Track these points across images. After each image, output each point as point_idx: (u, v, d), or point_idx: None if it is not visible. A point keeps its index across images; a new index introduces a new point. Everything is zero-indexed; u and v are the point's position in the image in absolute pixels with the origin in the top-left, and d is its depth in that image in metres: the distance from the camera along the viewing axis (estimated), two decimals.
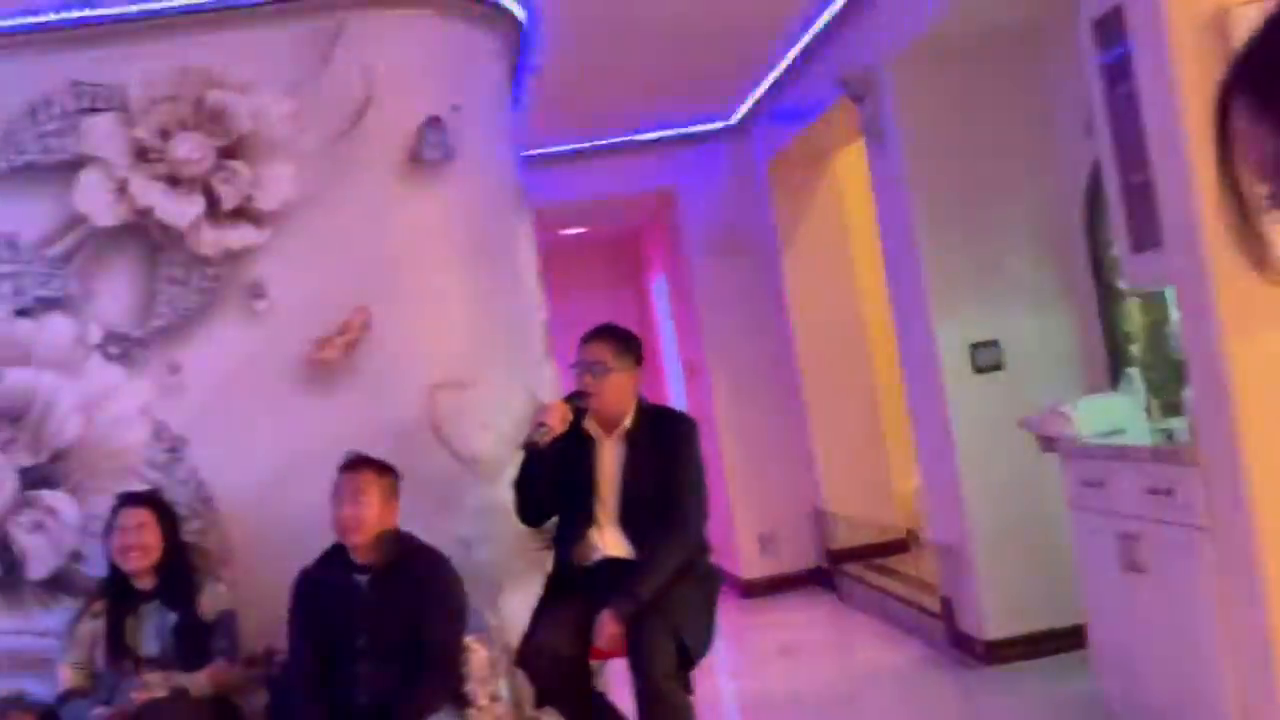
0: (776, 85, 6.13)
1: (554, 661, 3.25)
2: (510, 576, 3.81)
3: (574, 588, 3.40)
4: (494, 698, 3.29)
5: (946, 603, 5.07)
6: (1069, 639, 4.33)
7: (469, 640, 3.28)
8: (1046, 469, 4.10)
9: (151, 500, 3.53)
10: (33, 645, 3.64)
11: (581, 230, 8.48)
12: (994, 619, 4.71)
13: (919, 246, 4.77)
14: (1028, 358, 4.73)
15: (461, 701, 3.25)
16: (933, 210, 4.75)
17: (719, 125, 6.93)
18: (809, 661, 5.67)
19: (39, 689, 3.57)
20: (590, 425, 3.52)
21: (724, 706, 5.08)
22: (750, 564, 7.04)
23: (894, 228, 5.02)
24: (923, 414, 5.09)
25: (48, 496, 3.72)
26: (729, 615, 3.49)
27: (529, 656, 3.27)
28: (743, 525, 6.99)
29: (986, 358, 4.74)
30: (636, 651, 3.21)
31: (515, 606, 3.68)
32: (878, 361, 6.68)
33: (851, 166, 6.58)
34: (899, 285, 5.13)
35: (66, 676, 3.44)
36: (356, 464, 3.37)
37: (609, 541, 3.43)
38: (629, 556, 3.40)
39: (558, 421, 3.40)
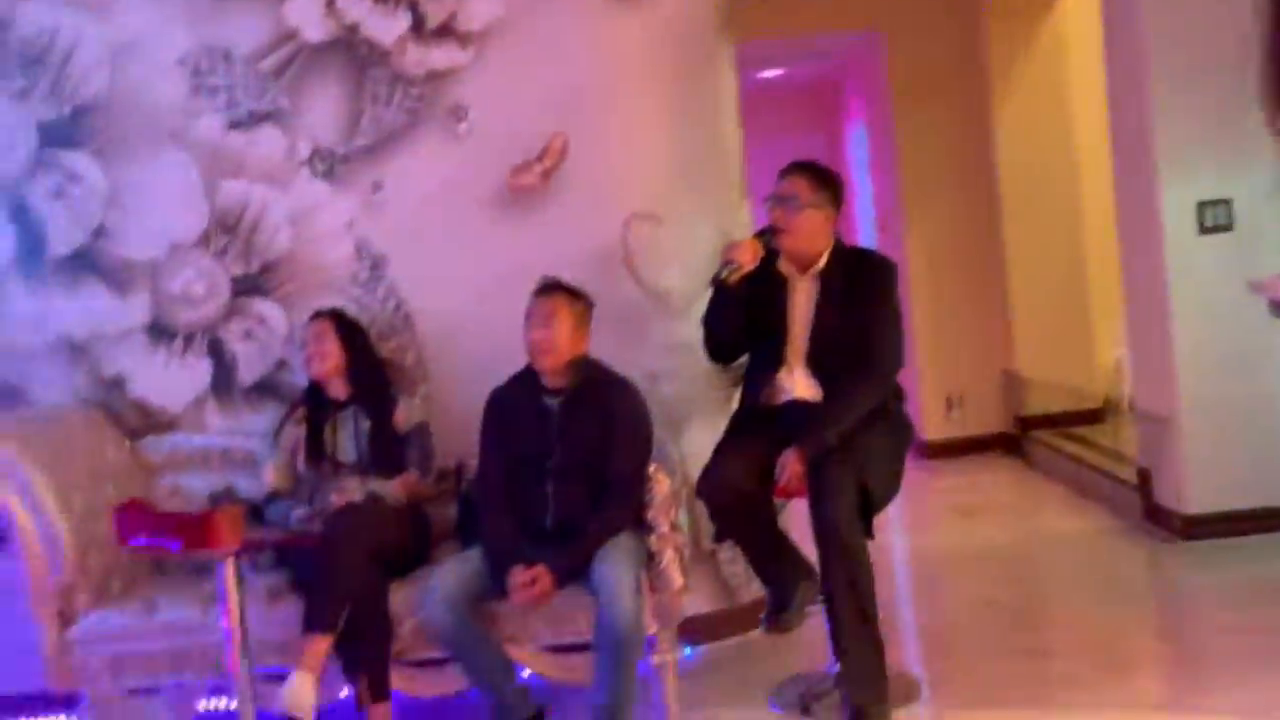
0: None
1: (735, 496, 3.24)
2: (695, 412, 3.80)
3: (760, 427, 3.37)
4: (674, 527, 3.31)
5: (1144, 474, 4.86)
6: (1276, 520, 4.12)
7: (653, 469, 3.29)
8: (1273, 341, 3.83)
9: (332, 314, 3.64)
10: (243, 445, 3.84)
11: (780, 72, 8.23)
12: (1196, 493, 4.51)
13: (1150, 97, 4.43)
14: (1260, 219, 4.38)
15: (643, 527, 3.28)
16: (1169, 58, 4.39)
17: None
18: (990, 522, 5.55)
19: (246, 486, 3.78)
20: (783, 264, 3.43)
21: (898, 560, 5.04)
22: (934, 424, 6.91)
23: (1124, 77, 4.67)
24: (1138, 276, 4.82)
25: (258, 305, 3.87)
26: (908, 474, 3.41)
27: (710, 489, 3.27)
28: (929, 384, 6.84)
29: (1215, 217, 4.42)
30: (818, 493, 3.17)
31: (698, 441, 3.67)
32: (1089, 221, 6.33)
33: (1076, 10, 6.14)
34: (1123, 138, 4.80)
35: (271, 477, 3.62)
36: (550, 289, 3.38)
37: (798, 383, 3.37)
38: (817, 399, 3.33)
39: (747, 258, 3.32)
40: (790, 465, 3.19)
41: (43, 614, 3.37)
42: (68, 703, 3.44)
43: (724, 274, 3.31)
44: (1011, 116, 6.46)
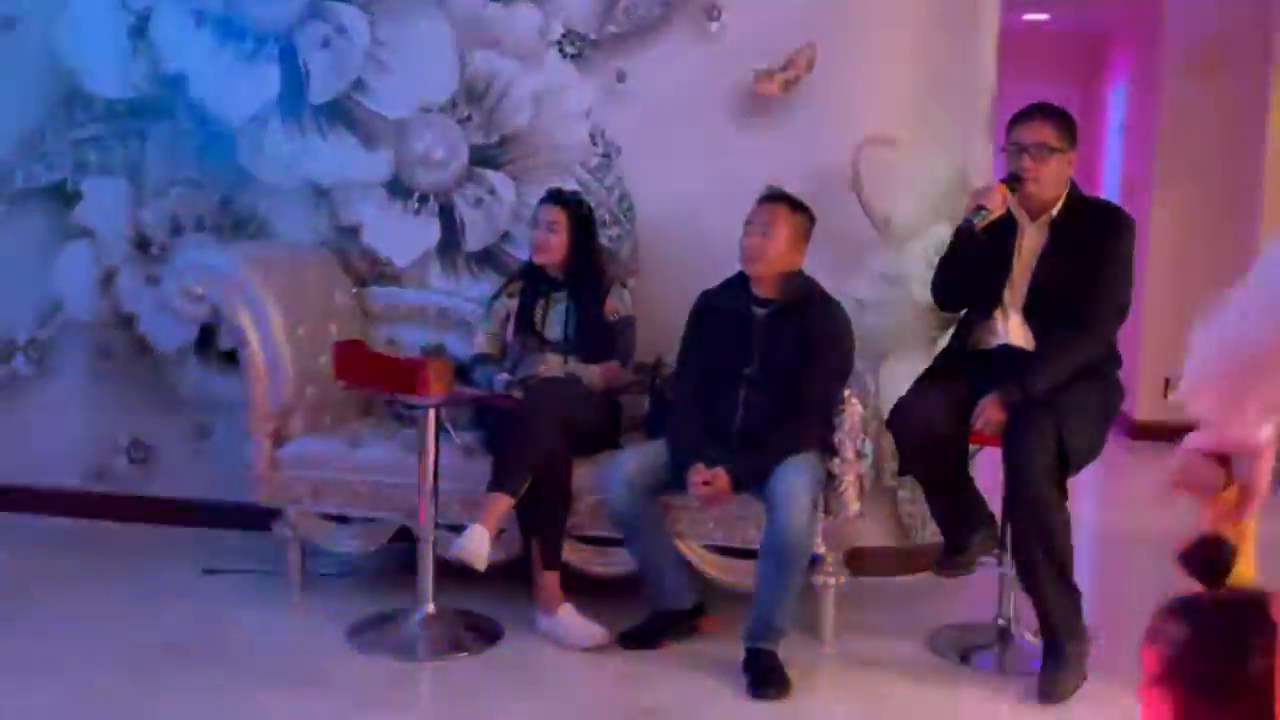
0: None
1: (928, 433, 3.20)
2: (897, 346, 3.76)
3: (963, 368, 3.31)
4: (859, 455, 3.30)
5: None
6: None
7: (847, 394, 3.28)
8: None
9: (570, 202, 3.66)
10: (458, 308, 4.02)
11: (1044, 17, 7.86)
12: None
13: None
14: None
15: (828, 450, 3.28)
16: None
17: None
18: (1192, 509, 5.30)
19: (456, 347, 3.96)
20: (1015, 208, 3.32)
21: (1090, 534, 4.89)
22: (1148, 404, 6.60)
23: None
24: None
25: (490, 176, 4.00)
26: (1112, 450, 3.27)
27: (904, 423, 3.24)
28: (1148, 361, 6.52)
29: None
30: (1014, 443, 3.09)
31: (896, 376, 3.63)
32: None
33: None
34: None
35: (480, 342, 3.78)
36: (773, 197, 3.37)
37: (1012, 329, 3.28)
38: (1028, 348, 3.24)
39: (997, 205, 3.22)
40: (990, 410, 3.12)
41: (259, 432, 3.64)
42: (270, 518, 3.71)
43: (973, 219, 3.23)
44: None
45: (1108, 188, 7.82)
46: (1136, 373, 6.45)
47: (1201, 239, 6.40)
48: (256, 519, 3.82)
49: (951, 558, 3.29)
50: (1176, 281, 6.46)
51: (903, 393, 3.35)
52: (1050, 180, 3.24)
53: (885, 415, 3.42)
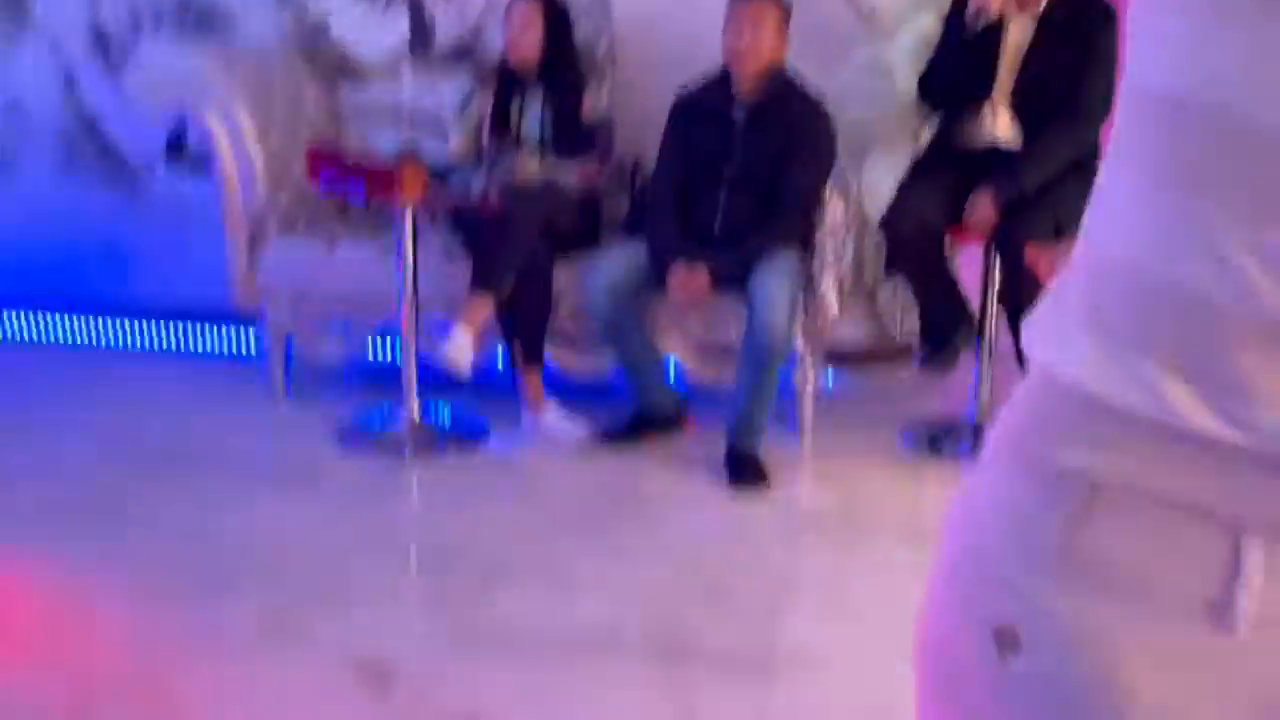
0: None
1: (918, 229, 3.20)
2: (880, 142, 3.70)
3: (951, 166, 3.28)
4: (840, 254, 3.30)
5: None
6: None
7: (830, 192, 3.26)
8: None
9: (545, 0, 3.55)
10: (432, 107, 3.92)
11: None
12: None
13: None
14: None
15: (808, 250, 3.28)
16: None
17: None
18: None
19: (431, 149, 3.88)
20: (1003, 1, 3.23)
21: None
22: None
23: None
24: None
25: None
26: None
27: (896, 220, 3.23)
28: None
29: None
30: (1007, 240, 3.11)
31: (878, 173, 3.61)
32: None
33: None
34: None
35: (455, 143, 3.71)
36: None
37: (1000, 124, 3.24)
38: (1015, 145, 3.21)
39: (995, 6, 3.13)
40: (982, 205, 3.12)
41: (234, 237, 3.60)
42: (250, 323, 3.71)
43: (979, 24, 3.13)
44: None
45: None
46: None
47: None
48: (238, 323, 3.83)
49: (935, 355, 3.34)
50: None
51: (885, 189, 3.33)
52: None
53: (867, 213, 3.40)
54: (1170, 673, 0.72)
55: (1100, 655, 0.73)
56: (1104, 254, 0.76)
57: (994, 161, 3.18)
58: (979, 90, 3.24)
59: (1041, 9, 3.18)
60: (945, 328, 3.31)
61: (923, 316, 3.37)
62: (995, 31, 3.22)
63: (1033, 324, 0.80)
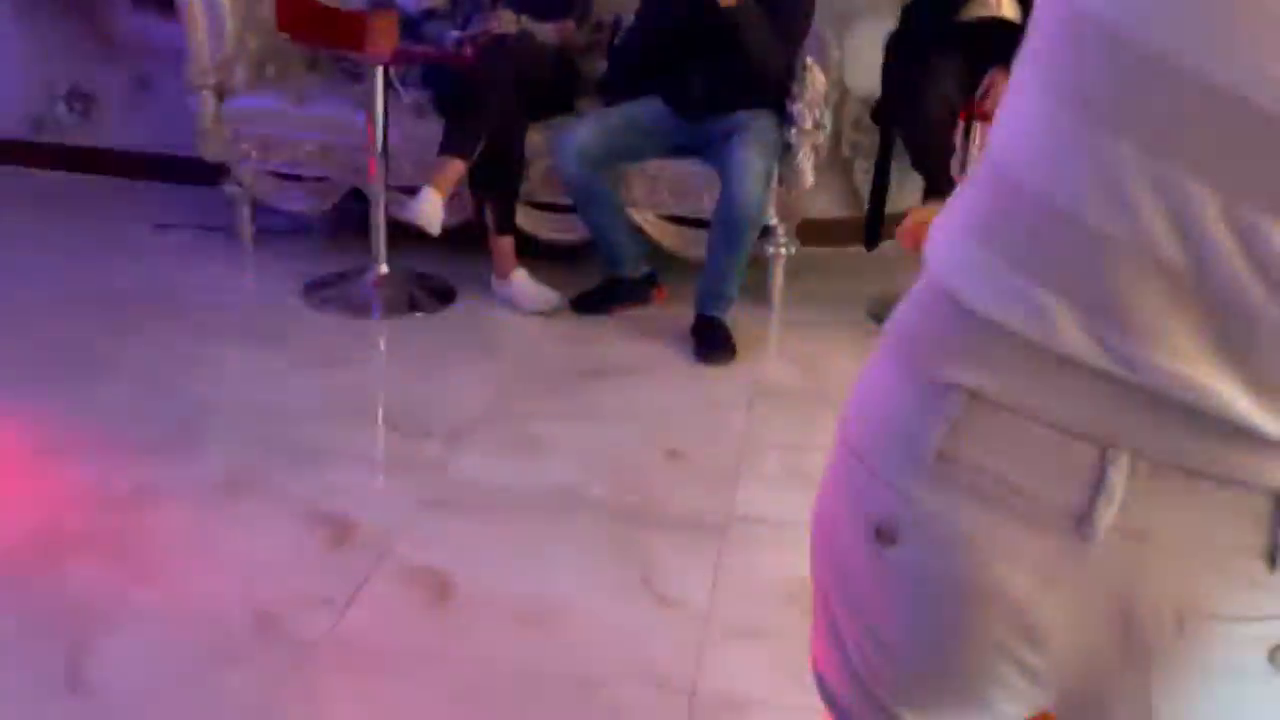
0: None
1: (944, 115, 3.15)
2: (865, 8, 3.63)
3: (957, 44, 3.21)
4: (817, 125, 3.26)
5: None
6: None
7: (809, 61, 3.20)
8: None
9: None
10: None
11: None
12: None
13: None
14: None
15: (787, 119, 3.24)
16: None
17: None
18: None
19: (407, 2, 3.77)
20: None
21: None
22: None
23: None
24: None
25: None
26: None
27: (917, 106, 3.15)
28: None
29: None
30: None
31: (861, 43, 3.55)
32: None
33: None
34: None
35: None
36: None
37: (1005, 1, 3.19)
38: (1017, 19, 3.16)
39: None
40: (999, 84, 3.09)
41: (200, 85, 3.51)
42: (219, 175, 3.65)
43: None
44: None
45: None
46: None
47: None
48: (205, 174, 3.76)
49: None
50: None
51: (867, 58, 3.27)
52: None
53: (847, 84, 3.33)
54: (1032, 575, 0.75)
55: (969, 556, 0.77)
56: (1005, 172, 0.76)
57: (998, 38, 3.13)
58: None
59: None
60: (939, 191, 3.28)
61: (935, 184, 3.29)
62: None
63: (936, 226, 0.81)
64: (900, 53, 3.33)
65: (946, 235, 0.79)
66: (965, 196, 0.79)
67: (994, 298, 0.74)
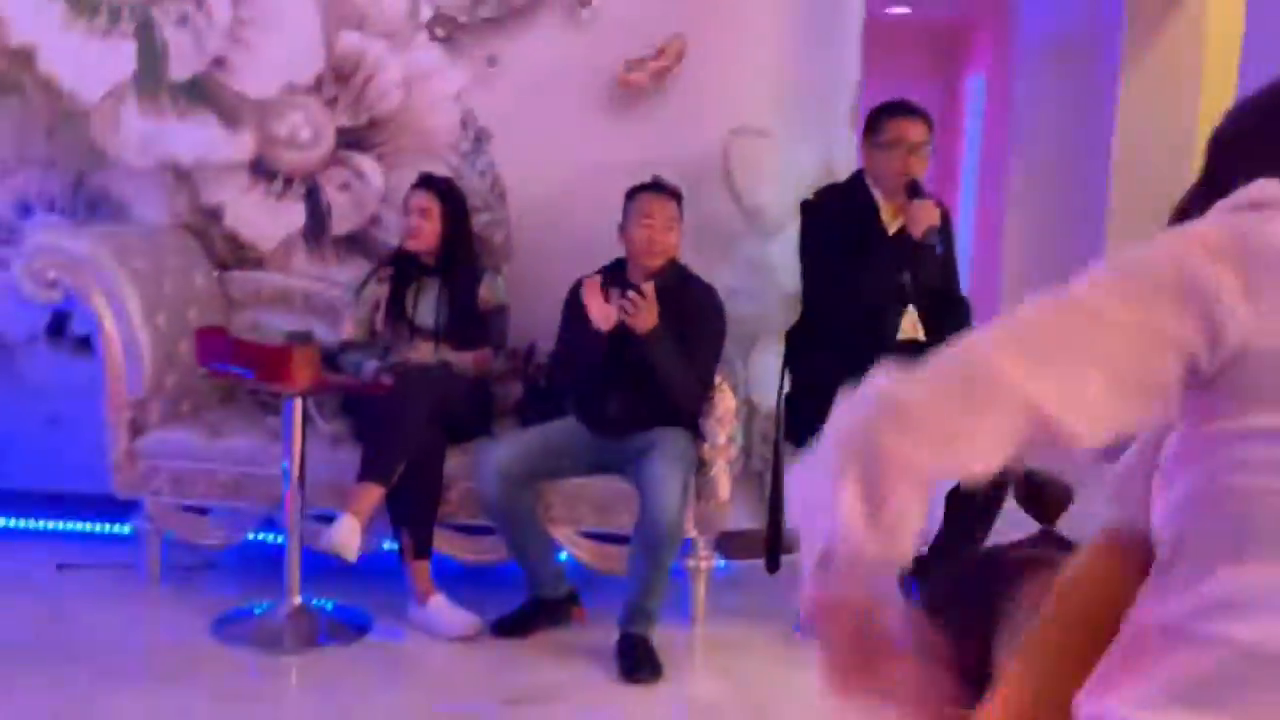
0: None
1: None
2: (764, 334, 3.82)
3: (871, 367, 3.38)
4: (730, 439, 3.35)
5: None
6: None
7: (719, 379, 3.33)
8: None
9: (442, 189, 3.62)
10: (326, 293, 3.94)
11: (906, 11, 8.06)
12: None
13: None
14: None
15: (699, 435, 3.32)
16: None
17: None
18: None
19: (323, 334, 3.88)
20: (882, 206, 3.43)
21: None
22: None
23: (1256, 79, 4.49)
24: None
25: (358, 159, 3.93)
26: None
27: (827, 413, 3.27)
28: None
29: None
30: None
31: (763, 363, 3.71)
32: None
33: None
34: None
35: (348, 329, 3.71)
36: (673, 192, 3.37)
37: (915, 324, 3.40)
38: (922, 338, 3.36)
39: (923, 223, 3.27)
40: None
41: (116, 421, 3.51)
42: (130, 509, 3.59)
43: (931, 240, 3.27)
44: (1137, 94, 6.27)
45: (966, 178, 8.09)
46: None
47: (1053, 221, 6.66)
48: (113, 511, 3.69)
49: None
50: (1029, 266, 6.72)
51: (769, 378, 3.41)
52: (920, 176, 3.37)
53: (754, 400, 3.45)
54: None
55: None
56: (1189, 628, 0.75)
57: (911, 357, 3.30)
58: (892, 292, 3.38)
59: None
60: None
61: None
62: (879, 233, 3.41)
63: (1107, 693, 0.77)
64: (801, 363, 3.48)
65: (1137, 698, 0.76)
66: (1133, 657, 0.77)
67: None
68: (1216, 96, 5.91)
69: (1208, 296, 0.79)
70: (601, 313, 3.22)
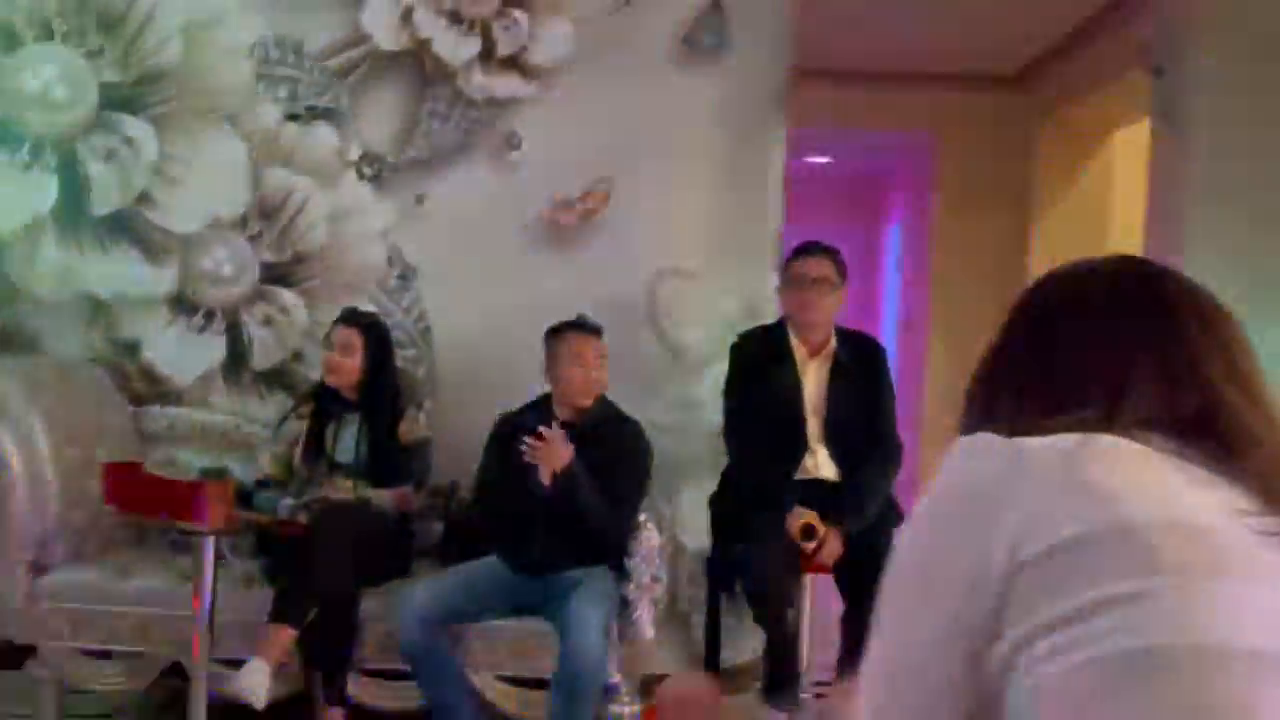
0: (1067, 40, 5.80)
1: (781, 584, 3.25)
2: (690, 472, 3.81)
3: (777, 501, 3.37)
4: (655, 579, 3.30)
5: None
6: None
7: (644, 518, 3.29)
8: None
9: (366, 324, 3.59)
10: (243, 429, 3.87)
11: (828, 160, 8.33)
12: None
13: (1184, 245, 4.43)
14: None
15: (622, 574, 3.27)
16: (1207, 211, 4.38)
17: (992, 73, 6.61)
18: None
19: (239, 471, 3.78)
20: (796, 348, 3.48)
21: None
22: None
23: (1164, 230, 4.68)
24: None
25: (282, 294, 3.90)
26: None
27: (760, 581, 3.25)
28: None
29: None
30: (856, 573, 3.20)
31: (688, 501, 3.70)
32: None
33: (1126, 145, 6.21)
34: None
35: (265, 464, 3.63)
36: (598, 330, 3.39)
37: (821, 463, 3.41)
38: (837, 479, 3.37)
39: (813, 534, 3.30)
40: (832, 542, 3.24)
41: (17, 561, 3.37)
42: (25, 655, 3.42)
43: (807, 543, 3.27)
44: (1050, 240, 6.50)
45: (888, 323, 8.25)
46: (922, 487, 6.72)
47: (969, 370, 6.79)
48: (7, 656, 3.51)
49: (788, 691, 3.30)
50: (953, 411, 6.81)
51: (695, 516, 3.39)
52: (827, 314, 3.43)
53: (679, 539, 3.43)
54: None
55: None
56: None
57: (823, 495, 3.32)
58: (793, 434, 3.40)
59: (832, 349, 3.44)
60: (798, 664, 3.32)
61: (774, 654, 3.32)
62: (794, 375, 3.44)
63: None
64: (726, 511, 3.47)
65: None
66: None
67: None
68: (1124, 236, 6.13)
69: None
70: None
